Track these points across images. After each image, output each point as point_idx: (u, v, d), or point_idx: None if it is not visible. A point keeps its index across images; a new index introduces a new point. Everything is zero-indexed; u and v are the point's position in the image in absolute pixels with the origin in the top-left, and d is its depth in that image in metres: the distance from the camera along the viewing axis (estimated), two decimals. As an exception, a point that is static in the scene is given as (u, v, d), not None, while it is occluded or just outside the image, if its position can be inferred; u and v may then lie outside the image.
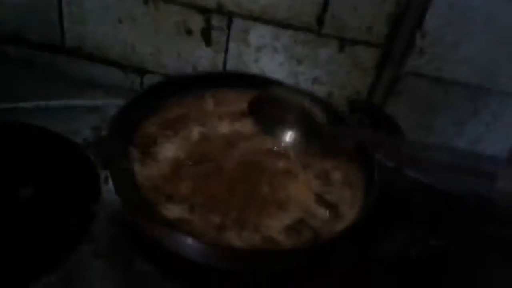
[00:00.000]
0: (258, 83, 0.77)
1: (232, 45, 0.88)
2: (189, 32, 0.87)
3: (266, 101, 0.73)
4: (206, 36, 0.88)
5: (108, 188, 0.69)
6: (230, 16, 0.85)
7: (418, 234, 0.72)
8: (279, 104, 0.71)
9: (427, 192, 0.80)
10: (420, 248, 0.70)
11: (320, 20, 0.83)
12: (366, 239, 0.68)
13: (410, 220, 0.75)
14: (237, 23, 0.85)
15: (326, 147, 0.67)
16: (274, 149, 0.68)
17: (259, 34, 0.86)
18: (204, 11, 0.85)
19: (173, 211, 0.57)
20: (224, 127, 0.71)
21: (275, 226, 0.57)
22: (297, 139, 0.69)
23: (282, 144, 0.69)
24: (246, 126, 0.73)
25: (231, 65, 0.90)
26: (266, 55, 0.88)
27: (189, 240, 0.51)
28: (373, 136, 0.67)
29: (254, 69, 0.89)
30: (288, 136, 0.70)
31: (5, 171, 0.68)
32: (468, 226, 0.75)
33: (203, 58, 0.90)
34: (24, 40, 0.93)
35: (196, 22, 0.86)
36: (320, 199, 0.61)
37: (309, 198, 0.62)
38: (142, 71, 0.94)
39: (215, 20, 0.85)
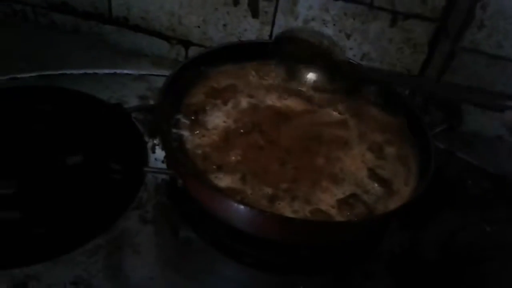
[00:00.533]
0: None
1: (279, 17, 0.86)
2: (236, 2, 0.86)
3: (287, 42, 0.72)
4: (253, 7, 0.86)
5: (156, 157, 0.69)
6: (279, -14, 0.83)
7: (470, 219, 0.69)
8: (300, 44, 0.71)
9: (479, 175, 0.76)
10: (473, 233, 0.68)
11: (372, -9, 0.80)
12: (417, 220, 0.66)
13: (462, 203, 0.72)
14: (286, -7, 0.83)
15: (349, 84, 0.69)
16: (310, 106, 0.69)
17: (308, 5, 0.83)
18: (253, -20, 0.83)
19: (224, 180, 0.56)
20: (273, 100, 0.70)
21: (328, 200, 0.56)
22: (319, 76, 0.70)
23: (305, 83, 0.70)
24: (296, 101, 0.71)
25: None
26: (314, 28, 0.85)
27: (240, 207, 0.49)
28: (397, 75, 0.69)
29: (301, 42, 0.87)
30: (310, 74, 0.70)
31: (53, 138, 0.68)
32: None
33: (249, 31, 0.89)
34: (71, 9, 0.93)
35: (244, -8, 0.84)
36: (374, 174, 0.59)
37: (363, 172, 0.60)
38: (187, 44, 0.93)
39: (264, -10, 0.84)
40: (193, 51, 0.93)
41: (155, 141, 0.70)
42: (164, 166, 0.67)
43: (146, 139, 0.71)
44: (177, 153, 0.56)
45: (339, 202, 0.55)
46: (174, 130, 0.62)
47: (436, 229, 0.67)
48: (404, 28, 0.82)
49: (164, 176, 0.64)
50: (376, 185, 0.58)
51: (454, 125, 0.68)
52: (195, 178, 0.53)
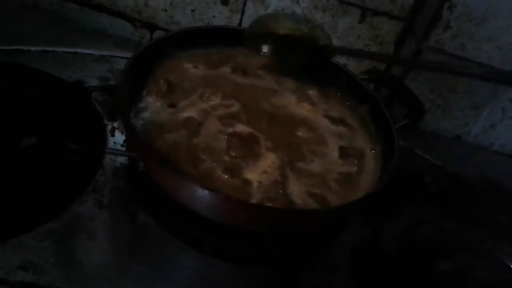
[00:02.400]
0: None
1: (249, 5, 0.84)
2: (206, -12, 0.84)
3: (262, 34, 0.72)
4: (223, -6, 0.84)
5: (115, 140, 0.66)
6: (250, -26, 0.81)
7: (429, 215, 0.70)
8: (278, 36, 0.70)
9: (438, 173, 0.78)
10: (430, 229, 0.69)
11: (344, -14, 0.80)
12: (377, 214, 0.67)
13: (421, 200, 0.73)
14: (257, -18, 0.82)
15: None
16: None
17: (279, -4, 0.82)
18: (223, -34, 0.81)
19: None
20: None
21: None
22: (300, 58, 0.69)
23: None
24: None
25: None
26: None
27: (206, 192, 0.48)
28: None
29: (270, 32, 0.86)
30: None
31: (7, 118, 0.64)
32: (479, 209, 0.73)
33: (218, 18, 0.87)
34: (31, -17, 0.89)
35: (214, -22, 0.83)
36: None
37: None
38: (152, 27, 0.90)
39: (234, -22, 0.82)
40: (157, 35, 0.91)
41: (115, 124, 0.68)
42: (123, 150, 0.65)
43: (106, 121, 0.68)
44: (139, 133, 0.54)
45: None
46: (135, 110, 0.60)
47: (396, 224, 0.68)
48: (372, 25, 0.83)
49: (123, 159, 0.62)
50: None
51: (416, 121, 0.68)
52: (157, 161, 0.51)
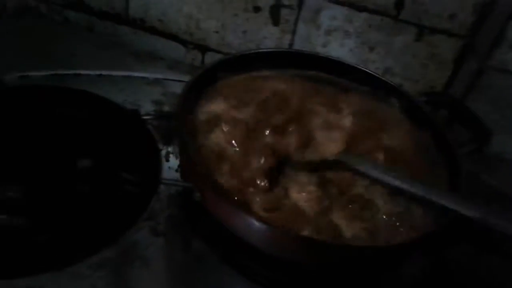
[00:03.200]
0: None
1: (301, 26, 0.83)
2: (257, 8, 0.83)
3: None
4: (275, 14, 0.83)
5: (169, 165, 0.66)
6: (302, -6, 0.80)
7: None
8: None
9: (504, 202, 0.73)
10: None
11: (399, 3, 0.77)
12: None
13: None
14: (309, 1, 0.80)
15: None
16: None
17: (331, 15, 0.81)
18: (275, -14, 0.80)
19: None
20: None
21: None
22: None
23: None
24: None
25: (297, 48, 0.85)
26: (336, 39, 0.83)
27: (263, 226, 0.47)
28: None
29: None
30: None
31: (64, 141, 0.66)
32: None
33: (269, 38, 0.86)
34: (87, 7, 0.91)
35: (266, -2, 0.82)
36: None
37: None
38: (204, 48, 0.90)
39: (286, -2, 0.81)
40: (210, 56, 0.91)
41: (169, 149, 0.68)
42: (177, 175, 0.64)
43: (160, 146, 0.68)
44: (196, 165, 0.53)
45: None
46: (190, 139, 0.59)
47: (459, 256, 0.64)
48: (429, 43, 0.80)
49: (179, 188, 0.62)
50: None
51: (482, 146, 0.64)
52: (214, 193, 0.50)
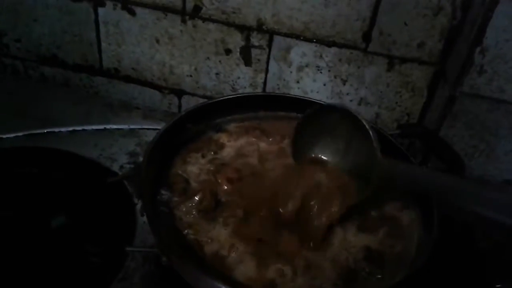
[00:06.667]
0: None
1: (272, 64, 0.83)
2: (228, 51, 0.84)
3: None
4: (246, 55, 0.84)
5: (145, 219, 0.65)
6: (271, 34, 0.80)
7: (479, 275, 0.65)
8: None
9: (488, 226, 0.72)
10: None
11: (366, 37, 0.77)
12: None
13: (470, 259, 0.67)
14: (278, 41, 0.81)
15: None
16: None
17: (301, 52, 0.81)
18: (243, 29, 0.81)
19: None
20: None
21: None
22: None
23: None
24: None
25: (271, 86, 0.86)
26: (309, 75, 0.83)
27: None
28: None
29: (295, 90, 0.85)
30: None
31: (38, 199, 0.66)
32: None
33: (242, 79, 0.87)
34: (61, 62, 0.92)
35: (235, 40, 0.82)
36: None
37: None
38: (179, 93, 0.91)
39: (255, 38, 0.81)
40: (186, 100, 0.91)
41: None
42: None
43: (135, 200, 0.68)
44: (160, 229, 0.52)
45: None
46: (161, 197, 0.59)
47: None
48: (401, 72, 0.80)
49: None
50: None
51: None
52: (178, 258, 0.49)
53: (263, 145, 0.68)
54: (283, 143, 0.68)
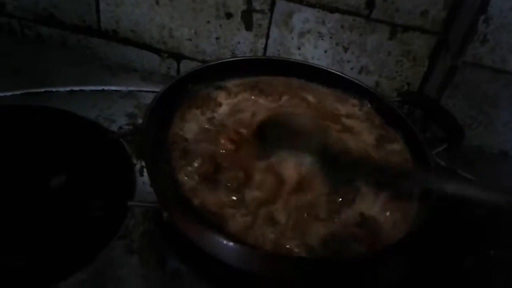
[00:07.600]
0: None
1: (274, 30, 0.82)
2: (229, 15, 0.83)
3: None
4: (247, 20, 0.83)
5: (144, 180, 0.65)
6: (273, -2, 0.79)
7: (476, 243, 0.66)
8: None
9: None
10: (478, 259, 0.64)
11: (370, 3, 0.76)
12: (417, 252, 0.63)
13: (466, 227, 0.68)
14: (280, 5, 0.80)
15: None
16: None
17: (303, 18, 0.80)
18: (246, -8, 0.80)
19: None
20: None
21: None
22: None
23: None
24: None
25: (271, 52, 0.85)
26: (310, 41, 0.82)
27: (224, 242, 0.46)
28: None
29: (296, 56, 0.84)
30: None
31: (36, 159, 0.65)
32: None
33: (243, 44, 0.86)
34: (58, 21, 0.90)
35: (237, 4, 0.81)
36: None
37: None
38: (178, 57, 0.90)
39: (257, 2, 0.80)
40: (185, 64, 0.90)
41: (143, 163, 0.67)
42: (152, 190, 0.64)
43: (134, 161, 0.67)
44: (162, 186, 0.52)
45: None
46: (161, 154, 0.58)
47: (439, 257, 0.64)
48: (403, 41, 0.79)
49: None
50: None
51: (455, 144, 0.64)
52: (181, 214, 0.49)
53: (261, 101, 0.67)
54: (282, 100, 0.68)
